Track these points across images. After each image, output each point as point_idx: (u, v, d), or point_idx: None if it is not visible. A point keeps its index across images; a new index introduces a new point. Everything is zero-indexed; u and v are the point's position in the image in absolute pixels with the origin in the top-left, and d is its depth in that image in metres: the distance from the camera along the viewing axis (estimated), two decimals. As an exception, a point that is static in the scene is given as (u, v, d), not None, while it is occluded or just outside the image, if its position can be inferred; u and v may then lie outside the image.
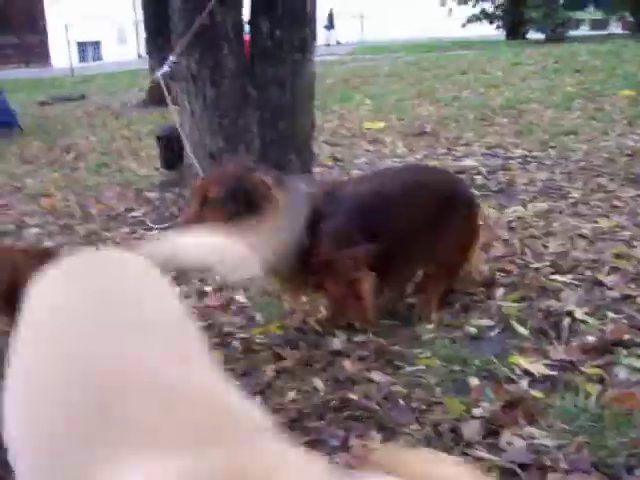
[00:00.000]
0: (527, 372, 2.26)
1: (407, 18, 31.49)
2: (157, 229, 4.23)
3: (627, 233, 3.62)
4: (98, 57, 32.00)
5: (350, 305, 2.60)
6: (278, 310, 2.88)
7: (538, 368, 2.26)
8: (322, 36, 28.34)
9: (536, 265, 3.20)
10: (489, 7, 26.72)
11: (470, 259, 2.86)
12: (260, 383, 2.28)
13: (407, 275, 2.85)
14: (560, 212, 4.11)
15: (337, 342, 2.52)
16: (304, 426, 2.01)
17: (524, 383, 2.18)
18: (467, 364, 2.32)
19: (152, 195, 5.20)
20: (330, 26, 29.82)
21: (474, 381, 2.21)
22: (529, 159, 5.67)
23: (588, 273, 3.09)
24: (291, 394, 2.20)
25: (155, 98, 10.78)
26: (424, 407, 2.06)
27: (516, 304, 2.80)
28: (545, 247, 3.48)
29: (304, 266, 2.46)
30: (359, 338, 2.55)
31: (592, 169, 5.13)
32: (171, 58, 4.05)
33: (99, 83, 17.27)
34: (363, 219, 2.53)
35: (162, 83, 4.07)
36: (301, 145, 4.31)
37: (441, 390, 2.16)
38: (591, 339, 2.42)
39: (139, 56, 24.37)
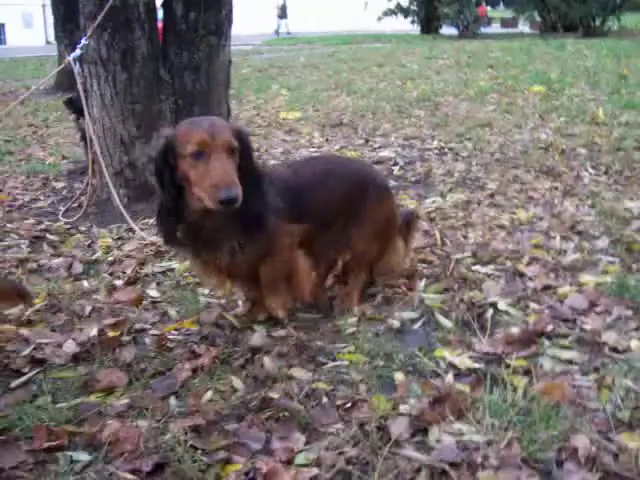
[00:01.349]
0: (452, 365, 2.21)
1: (323, 11, 31.49)
2: (64, 220, 4.00)
3: (544, 224, 3.65)
4: (2, 41, 30.69)
5: (285, 288, 2.51)
6: (193, 305, 2.74)
7: (463, 361, 2.21)
8: (274, 24, 28.33)
9: (457, 256, 3.17)
10: (404, 1, 26.98)
11: (388, 248, 2.79)
12: (174, 383, 2.14)
13: (328, 260, 2.77)
14: (478, 203, 4.12)
15: (256, 337, 2.40)
16: (223, 429, 1.88)
17: (450, 377, 2.12)
18: (392, 359, 2.24)
19: (59, 185, 4.95)
20: (283, 15, 30.01)
21: (399, 376, 2.13)
22: (445, 150, 5.71)
23: (508, 264, 3.08)
24: (208, 394, 2.06)
25: (64, 84, 10.38)
26: (349, 405, 1.97)
27: (438, 296, 2.75)
28: (465, 238, 3.47)
29: (246, 248, 2.34)
30: (278, 333, 2.44)
31: (508, 161, 5.20)
32: (83, 41, 3.83)
33: (3, 67, 16.50)
34: (291, 199, 2.44)
35: (73, 67, 3.85)
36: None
37: (366, 387, 2.07)
38: (515, 330, 2.39)
39: (47, 42, 23.45)
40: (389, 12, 27.00)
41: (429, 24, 26.96)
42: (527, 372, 2.12)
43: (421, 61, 13.94)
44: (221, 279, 2.50)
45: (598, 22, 23.86)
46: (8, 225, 3.96)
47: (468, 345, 2.35)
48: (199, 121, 2.27)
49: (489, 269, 3.03)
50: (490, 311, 2.58)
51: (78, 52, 3.83)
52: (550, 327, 2.40)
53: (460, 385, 2.07)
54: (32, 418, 1.94)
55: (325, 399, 2.01)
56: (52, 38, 12.00)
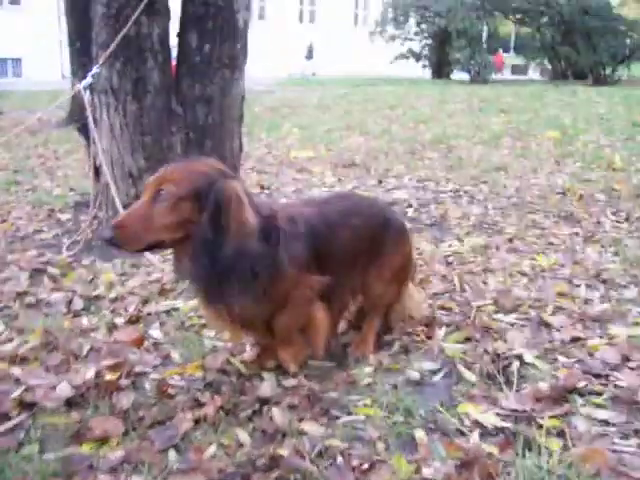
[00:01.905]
0: (478, 423, 2.02)
1: (334, 54, 31.79)
2: (67, 253, 3.85)
3: (567, 271, 3.49)
4: (18, 74, 31.00)
5: (300, 341, 2.34)
6: (197, 348, 2.56)
7: (489, 419, 2.03)
8: (300, 65, 28.72)
9: (477, 303, 3.00)
10: (416, 46, 27.15)
11: (405, 292, 2.63)
12: (175, 435, 1.96)
13: (342, 308, 2.59)
14: (497, 248, 3.97)
15: (265, 387, 2.21)
16: (226, 490, 1.71)
17: (475, 436, 1.94)
18: (411, 414, 2.06)
19: (65, 216, 4.82)
20: (310, 57, 30.54)
21: (420, 434, 1.95)
22: (461, 193, 5.58)
23: (532, 313, 2.91)
24: (211, 449, 1.88)
25: (76, 116, 10.34)
26: (366, 466, 1.78)
27: (460, 345, 2.58)
28: (485, 284, 3.30)
29: (261, 298, 2.15)
30: (289, 382, 2.26)
31: (525, 205, 5.07)
32: (94, 69, 3.73)
33: (17, 99, 16.53)
34: (315, 243, 2.26)
35: (83, 95, 3.73)
36: (228, 168, 4.02)
37: (384, 445, 1.89)
38: (544, 386, 2.21)
39: (63, 76, 23.63)
40: (401, 56, 27.17)
41: (440, 69, 27.07)
42: (560, 433, 1.94)
43: (433, 104, 13.90)
44: (233, 328, 2.31)
45: (608, 71, 23.93)
46: (9, 256, 3.81)
47: (493, 400, 2.17)
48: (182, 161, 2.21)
49: (512, 318, 2.86)
50: (516, 364, 2.40)
51: (89, 80, 3.72)
52: (582, 383, 2.22)
53: (487, 446, 1.89)
54: (16, 471, 1.77)
55: (340, 458, 1.83)
56: (67, 72, 12.01)
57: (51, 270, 3.59)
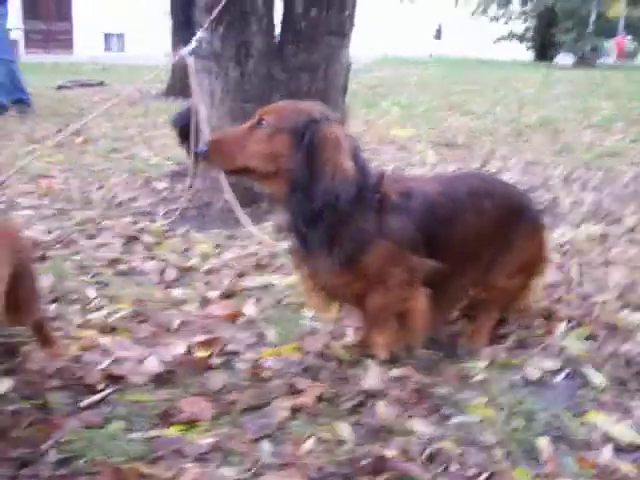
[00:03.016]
0: (609, 436, 1.77)
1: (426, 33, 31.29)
2: (163, 221, 3.76)
3: (698, 268, 3.13)
4: (122, 48, 31.83)
5: (394, 326, 2.10)
6: (295, 328, 2.39)
7: (624, 432, 1.77)
8: (429, 46, 28.73)
9: (599, 298, 2.71)
10: (518, 28, 26.29)
11: (531, 286, 2.38)
12: (270, 423, 1.79)
13: (458, 297, 2.36)
14: (617, 238, 3.64)
15: (369, 377, 2.01)
16: (325, 491, 1.52)
17: (608, 451, 1.69)
18: (532, 419, 1.83)
19: (161, 185, 4.74)
20: (438, 37, 30.71)
21: (544, 443, 1.71)
22: (572, 179, 5.20)
23: (663, 312, 2.60)
24: (309, 443, 1.69)
25: (176, 88, 10.40)
26: (484, 477, 1.56)
27: (583, 344, 2.31)
28: (606, 277, 3.00)
29: (352, 264, 1.97)
30: (394, 373, 2.06)
31: (644, 194, 4.67)
32: (199, 34, 3.58)
33: (120, 72, 16.88)
34: (430, 224, 2.05)
35: (188, 61, 3.59)
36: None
37: (503, 452, 1.67)
38: (685, 397, 1.93)
39: (165, 55, 24.13)
40: (504, 38, 26.38)
41: (544, 51, 26.14)
42: None
43: (537, 87, 13.32)
44: (321, 296, 2.14)
45: None
46: (104, 222, 3.75)
47: (626, 410, 1.90)
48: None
49: (640, 316, 2.56)
50: (650, 369, 2.12)
51: (193, 45, 3.58)
52: None
53: (622, 464, 1.63)
54: (100, 450, 1.64)
55: (454, 465, 1.61)
56: (169, 48, 12.16)
57: (145, 238, 3.50)
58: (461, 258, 2.14)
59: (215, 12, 3.46)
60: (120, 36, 32.76)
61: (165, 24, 12.15)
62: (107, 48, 31.80)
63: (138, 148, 6.35)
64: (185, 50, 3.59)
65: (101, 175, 5.07)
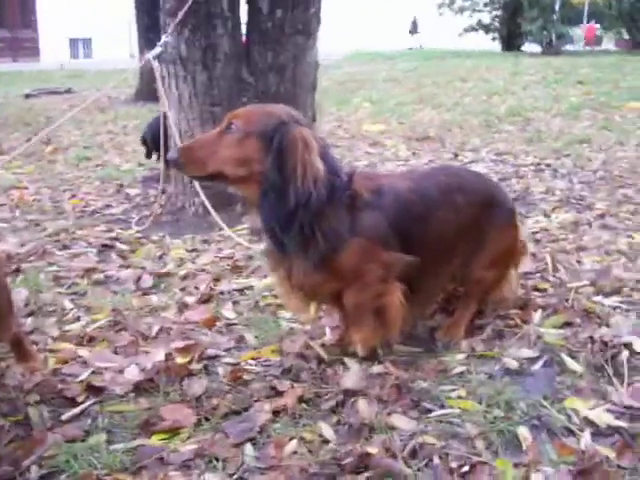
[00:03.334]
0: (588, 421, 1.79)
1: (401, 27, 31.35)
2: (137, 228, 3.73)
3: (669, 250, 3.18)
4: (89, 54, 31.55)
5: (371, 322, 2.10)
6: (273, 330, 2.39)
7: (601, 417, 1.80)
8: (406, 40, 28.80)
9: (574, 284, 2.74)
10: (485, 18, 26.39)
11: (506, 277, 2.40)
12: (251, 427, 1.79)
13: (435, 292, 2.37)
14: (588, 224, 3.68)
15: (349, 375, 2.02)
16: (310, 492, 1.53)
17: (587, 437, 1.71)
18: (512, 409, 1.84)
19: (133, 191, 4.72)
20: (414, 31, 30.73)
21: (524, 432, 1.73)
22: (542, 167, 5.27)
23: (636, 295, 2.64)
24: (292, 444, 1.70)
25: (144, 93, 10.34)
26: (466, 469, 1.58)
27: (559, 331, 2.33)
28: (580, 263, 3.03)
29: (327, 263, 1.98)
30: (374, 370, 2.06)
31: (614, 179, 4.74)
32: (163, 38, 3.57)
33: (88, 78, 16.72)
34: (402, 220, 2.06)
35: (153, 64, 3.57)
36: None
37: (484, 444, 1.69)
38: (660, 380, 1.96)
39: (131, 55, 23.90)
40: (470, 29, 26.46)
41: (511, 41, 26.24)
42: (688, 437, 1.69)
43: (506, 77, 13.38)
44: (297, 297, 2.14)
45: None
46: (78, 232, 3.72)
47: (603, 395, 1.93)
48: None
49: (614, 301, 2.59)
50: (625, 353, 2.14)
51: (158, 50, 3.56)
52: None
53: (602, 449, 1.66)
54: (82, 463, 1.63)
55: (436, 459, 1.63)
56: (135, 51, 12.10)
57: (120, 246, 3.48)
58: (436, 253, 2.15)
59: (180, 15, 3.45)
60: (87, 41, 32.45)
61: (131, 28, 12.12)
62: (74, 54, 31.49)
63: (109, 155, 6.30)
64: (151, 54, 3.58)
65: (73, 184, 5.03)
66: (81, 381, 2.07)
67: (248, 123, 1.93)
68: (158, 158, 4.54)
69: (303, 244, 1.96)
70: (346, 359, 2.14)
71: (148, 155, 5.07)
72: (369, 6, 31.71)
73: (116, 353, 2.28)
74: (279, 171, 1.88)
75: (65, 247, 3.48)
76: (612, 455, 1.63)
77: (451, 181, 2.25)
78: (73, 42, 32.34)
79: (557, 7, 24.63)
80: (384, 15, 31.72)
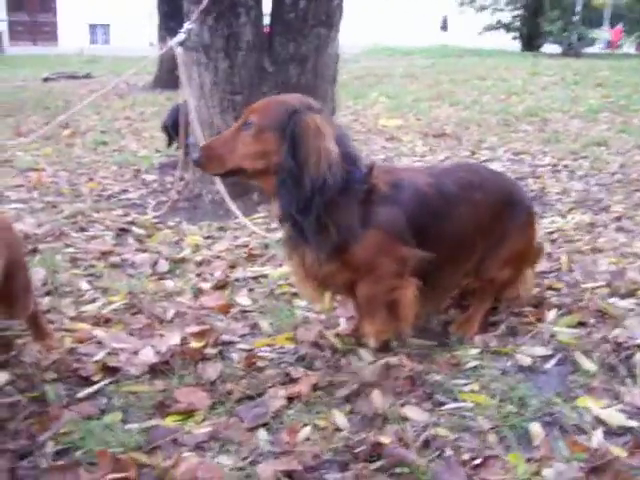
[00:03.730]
0: (600, 420, 1.80)
1: (421, 24, 31.27)
2: (153, 213, 3.76)
3: (685, 255, 3.17)
4: (107, 40, 31.65)
5: (384, 315, 2.11)
6: (288, 318, 2.40)
7: (613, 416, 1.80)
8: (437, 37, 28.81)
9: (589, 285, 2.74)
10: (506, 17, 26.27)
11: (521, 275, 2.40)
12: (265, 412, 1.80)
13: (451, 288, 2.38)
14: (604, 226, 3.67)
15: (363, 365, 2.03)
16: (322, 478, 1.54)
17: (599, 435, 1.72)
18: (524, 404, 1.85)
19: (150, 177, 4.75)
20: (444, 28, 30.87)
21: (536, 428, 1.74)
22: (559, 168, 5.24)
23: (651, 299, 2.63)
24: (305, 431, 1.72)
25: (163, 80, 10.37)
26: (478, 462, 1.59)
27: (573, 330, 2.33)
28: (595, 264, 3.03)
29: (341, 254, 1.99)
30: (389, 361, 2.07)
31: (631, 183, 4.71)
32: (186, 25, 3.57)
33: (106, 64, 16.78)
34: (420, 216, 2.06)
35: (176, 52, 3.57)
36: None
37: (497, 438, 1.69)
38: (673, 382, 1.96)
39: (150, 44, 23.96)
40: (490, 28, 26.35)
41: (531, 41, 26.12)
42: (700, 439, 1.69)
43: (525, 76, 13.32)
44: (312, 285, 2.14)
45: None
46: (95, 215, 3.75)
47: (616, 395, 1.93)
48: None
49: (629, 303, 2.58)
50: (639, 355, 2.14)
51: (182, 36, 3.56)
52: None
53: (613, 447, 1.66)
54: (97, 440, 1.65)
55: (449, 451, 1.64)
56: (154, 39, 12.13)
57: (136, 230, 3.50)
58: (453, 249, 2.16)
59: (205, 3, 3.45)
60: (105, 27, 32.53)
61: (152, 17, 12.14)
62: (92, 40, 31.59)
63: (126, 140, 6.33)
64: (174, 41, 3.58)
65: (90, 168, 5.06)
66: (97, 361, 2.09)
67: (263, 117, 1.96)
68: (178, 147, 4.55)
69: (318, 232, 1.97)
70: (360, 350, 2.15)
71: (169, 143, 5.09)
72: (396, 1, 31.64)
73: (132, 335, 2.30)
74: (294, 159, 1.90)
75: (82, 229, 3.51)
76: (623, 454, 1.63)
77: (471, 178, 2.25)
78: (92, 28, 32.42)
79: (578, 8, 24.49)
80: (413, 11, 31.61)
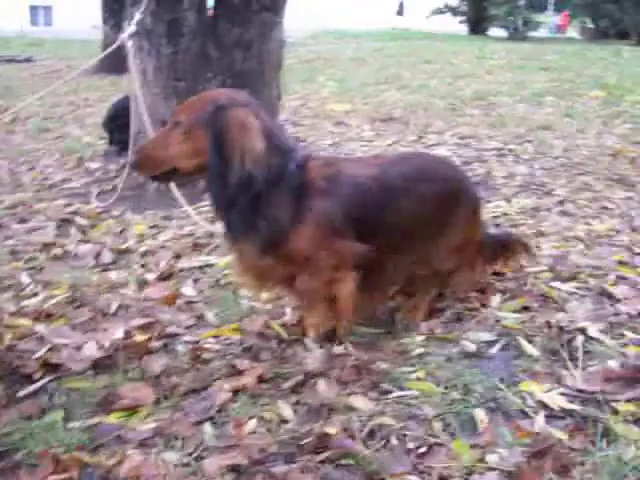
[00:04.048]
0: (542, 404, 1.83)
1: (377, 9, 31.30)
2: (97, 203, 3.68)
3: (625, 238, 3.24)
4: (49, 22, 30.87)
5: (323, 308, 2.11)
6: (234, 308, 2.38)
7: (555, 399, 1.83)
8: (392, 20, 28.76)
9: (532, 269, 2.78)
10: (453, 1, 26.47)
11: (468, 263, 2.42)
12: (211, 406, 1.79)
13: (396, 278, 2.38)
14: (548, 210, 3.73)
15: (309, 356, 2.03)
16: (269, 472, 1.53)
17: (541, 419, 1.75)
18: (469, 391, 1.87)
19: (94, 165, 4.65)
20: (400, 12, 30.84)
21: (481, 414, 1.76)
22: (505, 152, 5.30)
23: (592, 282, 2.69)
24: (251, 424, 1.71)
25: (107, 64, 10.14)
26: (423, 450, 1.60)
27: (517, 315, 2.37)
28: (538, 248, 3.07)
29: (274, 249, 1.99)
30: (334, 350, 2.07)
31: (574, 167, 4.80)
32: (137, 15, 3.47)
33: (48, 47, 16.37)
34: (361, 208, 2.05)
35: (127, 45, 3.47)
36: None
37: (442, 426, 1.71)
38: (613, 364, 2.01)
39: (94, 26, 23.47)
40: (438, 11, 26.52)
41: (477, 25, 26.38)
42: (638, 421, 1.74)
43: (471, 60, 13.44)
44: (250, 279, 2.15)
45: (654, 29, 23.10)
46: (36, 205, 3.66)
47: (558, 379, 1.96)
48: None
49: (571, 287, 2.63)
50: (580, 338, 2.18)
51: (133, 28, 3.46)
52: (656, 364, 2.01)
53: (555, 431, 1.69)
54: (38, 441, 1.61)
55: (394, 440, 1.65)
56: (97, 21, 11.88)
57: (79, 221, 3.43)
58: (398, 241, 2.16)
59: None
60: (48, 9, 31.74)
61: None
62: (34, 21, 30.78)
63: (70, 127, 6.20)
64: (125, 34, 3.47)
65: (32, 156, 4.94)
66: (38, 358, 2.04)
67: (190, 114, 1.97)
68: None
69: (248, 228, 1.97)
70: (306, 340, 2.15)
71: (110, 142, 4.89)
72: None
73: (74, 329, 2.25)
74: (218, 155, 1.90)
75: (23, 220, 3.43)
76: (564, 437, 1.66)
77: (415, 169, 2.25)
78: (33, 9, 31.59)
79: (524, -7, 24.84)
80: None
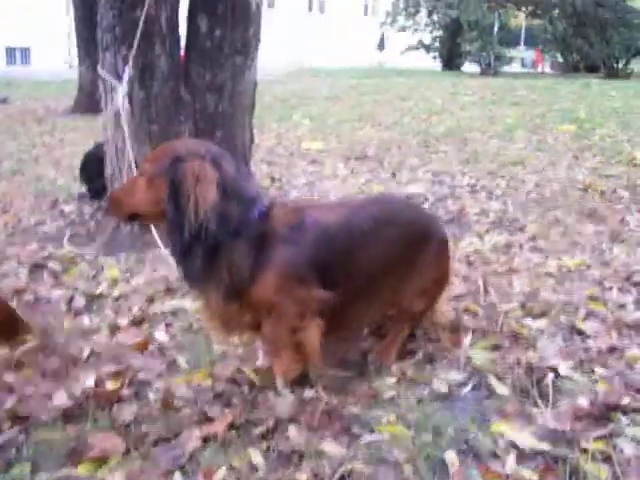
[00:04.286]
0: (513, 445, 1.84)
1: (344, 46, 31.64)
2: (69, 248, 3.67)
3: (596, 273, 3.29)
4: (27, 63, 30.93)
5: (290, 354, 2.12)
6: (206, 354, 2.38)
7: (526, 440, 1.85)
8: (374, 56, 28.92)
9: (504, 307, 2.81)
10: (427, 38, 26.91)
11: (437, 303, 2.44)
12: (181, 455, 1.78)
13: (365, 321, 2.39)
14: (520, 247, 3.77)
15: (280, 401, 2.03)
16: (237, 523, 1.52)
17: (512, 460, 1.76)
18: (440, 433, 1.88)
19: (69, 208, 4.63)
20: (382, 47, 31.13)
21: (452, 457, 1.77)
22: (478, 188, 5.38)
23: (563, 318, 2.72)
24: (221, 472, 1.70)
25: (83, 105, 10.18)
26: (394, 495, 1.60)
27: (488, 354, 2.39)
28: (510, 286, 3.11)
29: (238, 297, 2.01)
30: (306, 395, 2.07)
31: (545, 201, 4.88)
32: (127, 70, 3.46)
33: (25, 88, 16.36)
34: (325, 255, 2.07)
35: (119, 104, 3.46)
36: (239, 160, 3.83)
37: (412, 469, 1.71)
38: (583, 402, 2.03)
39: (70, 66, 23.53)
40: (412, 48, 26.92)
41: (451, 61, 26.81)
42: (607, 459, 1.75)
43: (445, 96, 13.64)
44: (216, 327, 2.17)
45: (621, 64, 23.58)
46: (8, 250, 3.64)
47: (528, 418, 1.98)
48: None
49: (542, 324, 2.67)
50: (550, 376, 2.21)
51: (126, 87, 3.47)
52: (625, 400, 2.03)
53: (526, 471, 1.70)
54: (4, 495, 1.60)
55: (364, 486, 1.65)
56: (74, 61, 11.90)
57: (52, 265, 3.41)
58: (366, 286, 2.17)
59: (136, 44, 3.35)
60: (25, 50, 31.82)
61: (70, 38, 11.88)
62: (9, 61, 30.79)
63: (45, 168, 6.18)
64: (119, 91, 3.47)
65: (5, 199, 4.91)
66: (6, 409, 2.02)
67: (153, 164, 2.05)
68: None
69: (208, 276, 2.00)
70: (277, 384, 2.14)
71: (89, 190, 4.82)
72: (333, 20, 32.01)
73: (44, 377, 2.23)
74: (175, 205, 1.94)
75: (-5, 266, 3.40)
76: (535, 478, 1.68)
77: (383, 213, 2.27)
78: (10, 51, 31.66)
79: (495, 29, 25.30)
80: (351, 30, 32.02)
